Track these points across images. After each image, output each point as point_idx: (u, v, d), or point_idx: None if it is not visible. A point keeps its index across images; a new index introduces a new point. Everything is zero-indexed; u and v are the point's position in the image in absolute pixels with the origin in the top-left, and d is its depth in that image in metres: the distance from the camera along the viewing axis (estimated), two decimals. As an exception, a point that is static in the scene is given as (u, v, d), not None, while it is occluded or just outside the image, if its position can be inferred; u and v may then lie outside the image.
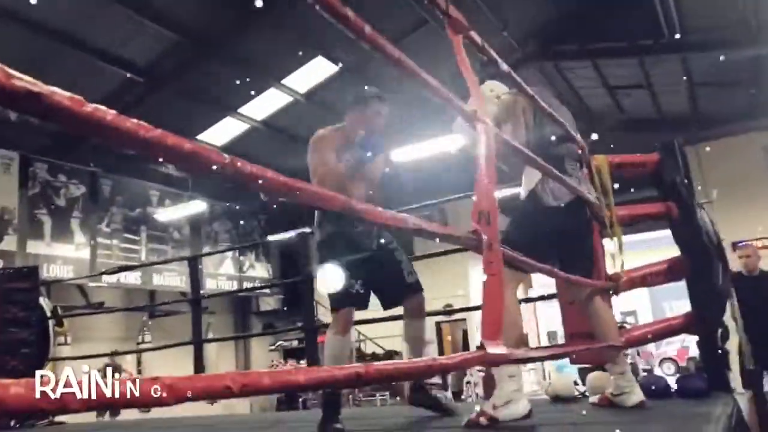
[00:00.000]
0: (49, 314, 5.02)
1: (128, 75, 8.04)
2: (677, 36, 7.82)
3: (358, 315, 3.31)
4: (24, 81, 0.59)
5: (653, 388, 2.71)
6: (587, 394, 3.07)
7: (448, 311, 5.23)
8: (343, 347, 2.53)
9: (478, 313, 2.13)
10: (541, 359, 2.00)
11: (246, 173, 0.83)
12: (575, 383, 3.52)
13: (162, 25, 7.37)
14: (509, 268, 2.09)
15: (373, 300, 2.74)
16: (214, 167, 0.79)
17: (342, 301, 2.52)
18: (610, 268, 2.81)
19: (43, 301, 5.02)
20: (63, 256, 9.42)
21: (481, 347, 1.38)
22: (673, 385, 2.86)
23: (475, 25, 1.83)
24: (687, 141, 3.67)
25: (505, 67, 2.01)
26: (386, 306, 2.79)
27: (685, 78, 9.04)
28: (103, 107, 0.66)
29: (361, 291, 2.54)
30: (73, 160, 9.72)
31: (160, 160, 0.75)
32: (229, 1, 7.22)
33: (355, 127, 2.55)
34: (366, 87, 2.71)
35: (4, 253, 8.61)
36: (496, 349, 1.38)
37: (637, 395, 2.38)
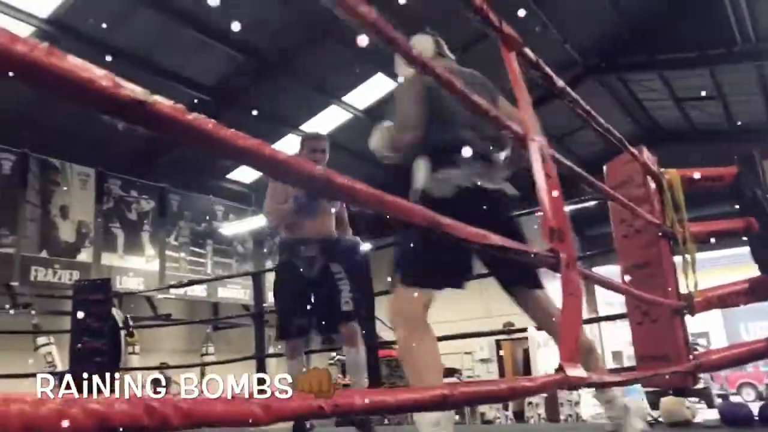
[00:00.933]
0: (120, 324, 5.22)
1: (196, 94, 8.36)
2: (752, 43, 7.47)
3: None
4: (130, 90, 0.61)
5: (734, 416, 2.55)
6: (660, 419, 2.92)
7: (509, 330, 5.11)
8: (294, 370, 2.82)
9: (540, 332, 2.05)
10: (619, 384, 1.87)
11: (336, 184, 0.84)
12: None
13: (229, 46, 7.65)
14: (414, 286, 1.77)
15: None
16: (306, 178, 0.80)
17: (284, 332, 2.88)
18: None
19: (115, 312, 5.22)
20: (134, 268, 9.84)
21: (560, 369, 1.33)
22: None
23: (534, 37, 1.79)
24: (765, 153, 3.47)
25: (560, 83, 1.95)
26: (323, 333, 3.05)
27: (760, 87, 8.61)
28: (202, 116, 0.67)
29: (303, 322, 2.83)
30: (144, 177, 10.16)
31: (256, 169, 0.76)
32: (292, 22, 7.42)
33: None
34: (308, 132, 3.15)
35: (80, 264, 9.06)
36: (576, 371, 1.32)
37: (632, 428, 1.80)
